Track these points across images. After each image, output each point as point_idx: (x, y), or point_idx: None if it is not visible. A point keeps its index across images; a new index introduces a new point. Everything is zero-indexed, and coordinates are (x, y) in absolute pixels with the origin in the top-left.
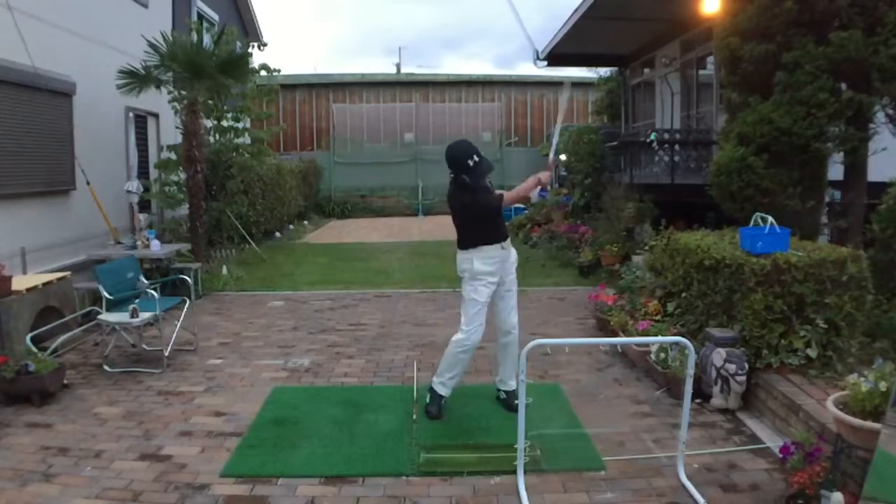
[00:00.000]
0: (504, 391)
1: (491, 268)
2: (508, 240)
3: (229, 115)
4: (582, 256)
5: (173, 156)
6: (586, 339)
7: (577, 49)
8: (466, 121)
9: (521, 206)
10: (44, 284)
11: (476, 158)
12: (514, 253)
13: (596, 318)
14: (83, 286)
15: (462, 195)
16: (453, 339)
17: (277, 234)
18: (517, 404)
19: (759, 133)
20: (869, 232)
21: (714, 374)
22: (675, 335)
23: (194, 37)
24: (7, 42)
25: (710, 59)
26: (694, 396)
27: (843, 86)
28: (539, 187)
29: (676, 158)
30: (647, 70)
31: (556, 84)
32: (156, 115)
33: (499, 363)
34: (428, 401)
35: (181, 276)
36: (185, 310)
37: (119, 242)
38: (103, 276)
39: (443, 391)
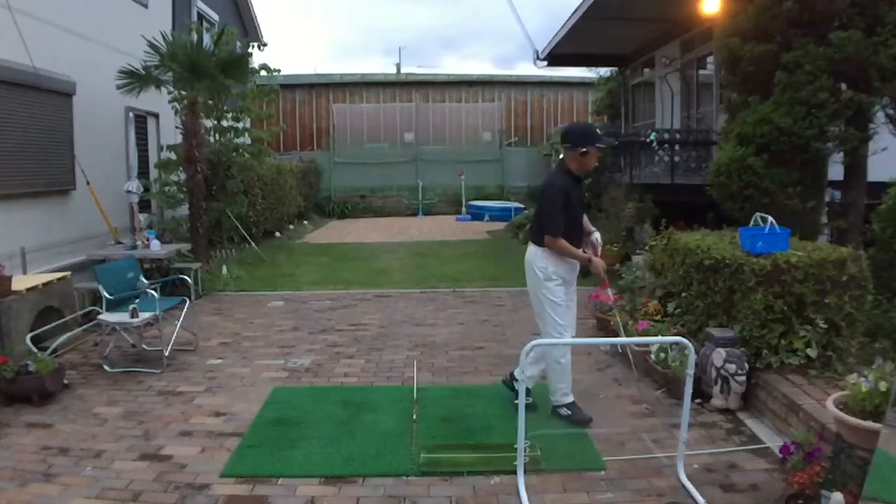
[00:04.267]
0: (515, 385)
1: (559, 272)
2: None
3: (229, 115)
4: None
5: (173, 156)
6: (586, 339)
7: (577, 49)
8: (466, 121)
9: (522, 206)
10: (44, 284)
11: (586, 149)
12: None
13: (596, 318)
14: (83, 286)
15: (553, 187)
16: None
17: (277, 234)
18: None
19: (759, 133)
20: (869, 232)
21: (714, 374)
22: (675, 335)
23: (194, 37)
24: (7, 42)
25: (710, 59)
26: (694, 396)
27: (843, 86)
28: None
29: (676, 158)
30: (647, 70)
31: (556, 84)
32: (156, 115)
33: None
34: (570, 414)
35: (181, 276)
36: (185, 310)
37: (119, 242)
38: (103, 276)
39: (568, 400)
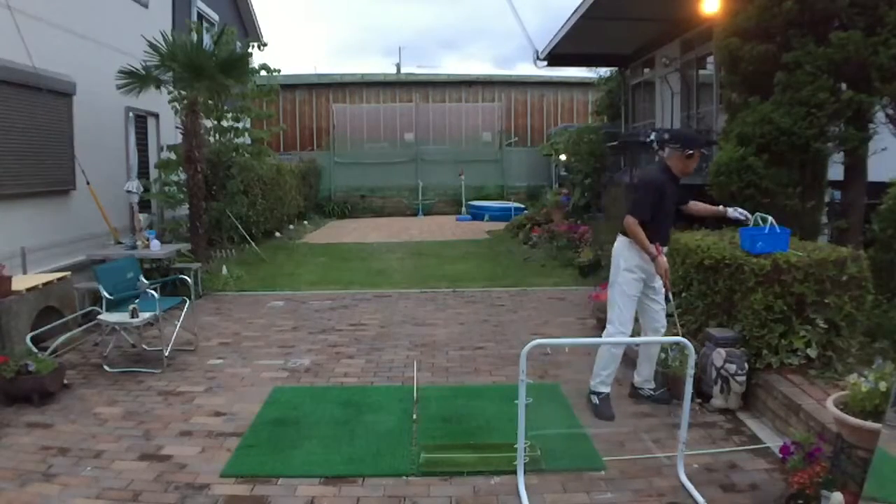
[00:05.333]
0: (650, 389)
1: (640, 263)
2: (666, 247)
3: (229, 115)
4: (582, 256)
5: (173, 156)
6: (586, 339)
7: (577, 49)
8: (466, 121)
9: (522, 206)
10: (44, 284)
11: (692, 152)
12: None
13: (596, 319)
14: (83, 286)
15: (650, 180)
16: (604, 336)
17: (277, 234)
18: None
19: (759, 133)
20: (869, 232)
21: (714, 374)
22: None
23: (194, 37)
24: (7, 42)
25: (710, 59)
26: (694, 396)
27: (843, 86)
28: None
29: None
30: (647, 70)
31: (556, 84)
32: (156, 115)
33: (639, 363)
34: (597, 402)
35: (181, 276)
36: (185, 310)
37: (119, 242)
38: (103, 276)
39: (605, 389)
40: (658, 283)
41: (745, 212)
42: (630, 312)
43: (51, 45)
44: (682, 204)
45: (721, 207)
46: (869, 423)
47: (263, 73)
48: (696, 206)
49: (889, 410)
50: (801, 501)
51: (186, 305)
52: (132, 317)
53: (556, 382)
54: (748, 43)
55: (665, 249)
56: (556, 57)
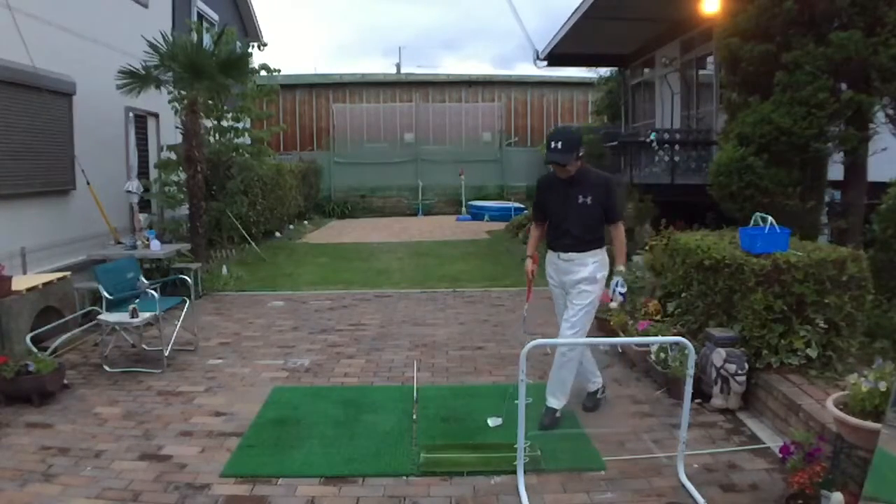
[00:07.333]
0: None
1: (549, 269)
2: (570, 254)
3: (229, 115)
4: None
5: (173, 156)
6: (586, 339)
7: (577, 49)
8: (466, 121)
9: (521, 206)
10: (44, 284)
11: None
12: (584, 272)
13: (596, 318)
14: (83, 286)
15: (539, 181)
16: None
17: (277, 234)
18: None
19: (759, 133)
20: (869, 232)
21: (714, 374)
22: (675, 335)
23: (194, 37)
24: (7, 42)
25: (710, 59)
26: (694, 396)
27: (843, 86)
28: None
29: (676, 158)
30: (647, 70)
31: (556, 84)
32: (156, 115)
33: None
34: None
35: (181, 276)
36: (185, 310)
37: (119, 242)
38: (103, 276)
39: (591, 388)
40: (574, 290)
41: (623, 292)
42: (559, 317)
43: (51, 45)
44: (609, 222)
45: (618, 264)
46: (869, 423)
47: (263, 73)
48: (615, 239)
49: (889, 410)
50: (801, 501)
51: (186, 305)
52: (132, 317)
53: None
54: (748, 43)
55: (597, 253)
56: (556, 57)
